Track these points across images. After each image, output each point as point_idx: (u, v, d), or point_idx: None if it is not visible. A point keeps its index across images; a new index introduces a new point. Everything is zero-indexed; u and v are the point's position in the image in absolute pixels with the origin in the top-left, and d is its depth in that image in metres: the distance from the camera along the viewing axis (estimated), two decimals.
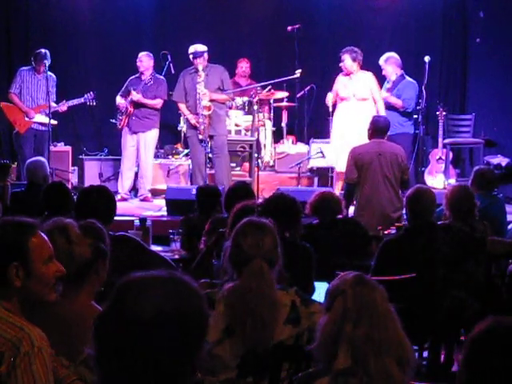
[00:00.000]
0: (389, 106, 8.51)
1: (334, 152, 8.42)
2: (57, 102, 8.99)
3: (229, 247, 2.98)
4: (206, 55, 8.37)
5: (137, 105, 8.83)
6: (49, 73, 8.74)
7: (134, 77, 9.02)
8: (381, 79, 8.97)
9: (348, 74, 8.25)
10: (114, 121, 9.08)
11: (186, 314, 1.56)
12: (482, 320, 1.87)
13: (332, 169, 8.87)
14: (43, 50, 8.81)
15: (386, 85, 8.79)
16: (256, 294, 2.84)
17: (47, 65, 8.67)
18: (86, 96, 9.02)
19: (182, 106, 8.50)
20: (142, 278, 1.59)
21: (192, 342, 1.56)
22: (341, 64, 8.26)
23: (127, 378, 1.52)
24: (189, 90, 8.37)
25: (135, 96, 8.75)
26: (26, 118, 8.83)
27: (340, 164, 8.06)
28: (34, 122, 8.82)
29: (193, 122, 8.29)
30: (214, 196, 5.71)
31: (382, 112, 8.20)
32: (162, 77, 9.09)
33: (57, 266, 2.41)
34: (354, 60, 8.17)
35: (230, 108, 9.54)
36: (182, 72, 8.57)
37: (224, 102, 8.56)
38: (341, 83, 8.32)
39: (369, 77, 8.27)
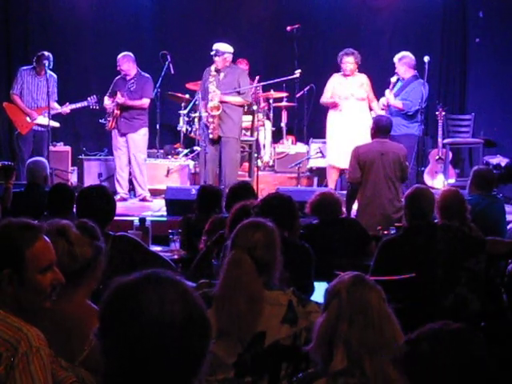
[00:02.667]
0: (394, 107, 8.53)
1: (337, 150, 8.52)
2: (58, 102, 8.98)
3: (228, 247, 2.99)
4: (226, 56, 8.27)
5: (123, 106, 8.79)
6: (49, 72, 8.74)
7: (119, 77, 8.97)
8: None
9: (348, 75, 8.46)
10: (102, 121, 9.07)
11: (200, 314, 1.58)
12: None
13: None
14: (46, 53, 8.79)
15: (398, 83, 8.73)
16: (234, 283, 2.84)
17: (46, 64, 8.66)
18: (89, 99, 9.00)
19: (202, 103, 8.50)
20: (151, 278, 1.58)
21: (205, 341, 1.58)
22: (345, 65, 8.43)
23: (134, 378, 1.52)
24: (206, 88, 8.34)
25: (119, 99, 8.71)
26: (28, 120, 8.82)
27: (343, 161, 8.26)
28: (36, 124, 8.81)
29: (204, 120, 8.30)
30: (215, 196, 5.70)
31: (377, 110, 8.49)
32: (147, 75, 8.98)
33: (55, 274, 2.37)
34: (356, 63, 8.46)
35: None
36: (204, 70, 8.48)
37: (239, 104, 8.39)
38: (337, 83, 8.53)
39: (363, 78, 8.54)
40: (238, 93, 8.29)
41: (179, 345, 1.52)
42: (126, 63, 8.85)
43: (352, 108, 8.44)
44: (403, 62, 8.68)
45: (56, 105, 8.93)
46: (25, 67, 8.98)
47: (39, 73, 8.82)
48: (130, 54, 8.92)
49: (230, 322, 2.82)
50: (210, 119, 8.19)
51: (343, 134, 8.46)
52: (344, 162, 8.31)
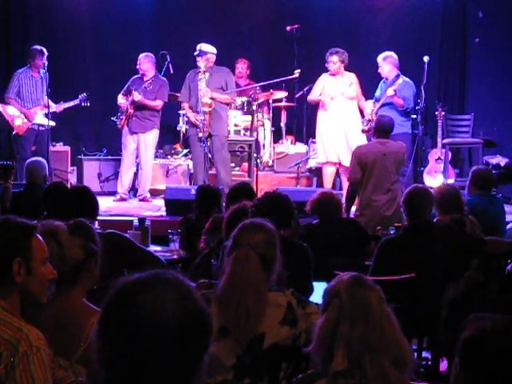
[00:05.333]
0: (390, 106, 8.54)
1: (324, 149, 8.73)
2: (54, 101, 8.97)
3: (227, 247, 2.99)
4: (210, 56, 8.36)
5: (137, 105, 8.81)
6: (43, 71, 8.81)
7: (136, 77, 9.02)
8: (381, 78, 8.98)
9: (334, 74, 8.59)
10: (114, 119, 9.07)
11: (198, 314, 1.57)
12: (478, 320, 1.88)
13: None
14: (38, 47, 8.85)
15: (382, 84, 8.80)
16: (240, 279, 2.83)
17: (46, 64, 8.69)
18: (80, 97, 9.03)
19: (186, 106, 8.55)
20: (150, 278, 1.58)
21: (203, 341, 1.57)
22: (329, 64, 8.58)
23: (133, 379, 1.52)
24: (192, 89, 8.40)
25: (136, 96, 8.74)
26: (25, 120, 8.82)
27: (330, 159, 8.66)
28: (34, 123, 8.80)
29: (193, 119, 8.33)
30: (214, 196, 5.71)
31: (363, 107, 8.62)
32: (164, 78, 9.08)
33: (51, 268, 2.45)
34: (341, 62, 8.54)
35: (230, 108, 9.55)
36: (188, 72, 8.57)
37: (226, 102, 8.52)
38: (327, 82, 8.66)
39: (352, 77, 8.65)
40: (224, 91, 8.37)
41: (178, 345, 1.52)
42: (147, 63, 8.90)
43: (339, 107, 8.56)
44: (388, 61, 8.74)
45: (51, 103, 8.93)
46: (20, 70, 8.97)
47: (36, 66, 8.81)
48: (152, 55, 8.98)
49: (235, 319, 2.81)
50: (201, 117, 8.23)
51: (330, 133, 8.61)
52: (331, 160, 8.63)
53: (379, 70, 8.80)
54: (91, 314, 2.66)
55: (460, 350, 1.84)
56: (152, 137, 8.95)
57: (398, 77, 8.63)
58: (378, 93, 8.79)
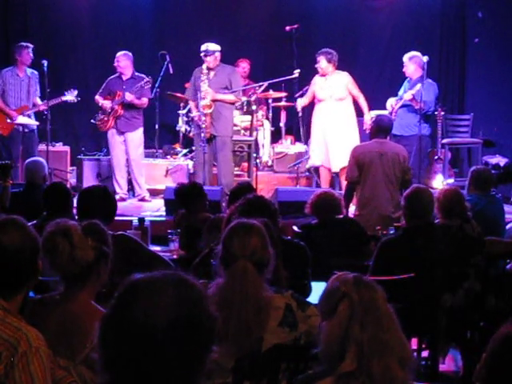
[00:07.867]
0: (409, 108, 8.54)
1: (316, 151, 8.69)
2: (42, 99, 8.93)
3: (218, 253, 2.96)
4: (217, 55, 8.31)
5: (126, 105, 8.78)
6: (29, 70, 8.81)
7: (113, 77, 8.97)
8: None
9: (323, 75, 8.56)
10: (94, 121, 9.01)
11: (198, 318, 1.55)
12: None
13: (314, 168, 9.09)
14: (23, 43, 8.83)
15: (406, 84, 8.79)
16: (240, 295, 2.80)
17: (31, 54, 8.68)
18: (66, 93, 8.95)
19: (192, 104, 8.52)
20: (151, 280, 1.57)
21: (203, 345, 1.56)
22: (316, 65, 8.57)
23: (130, 380, 1.52)
24: (197, 88, 8.36)
25: (129, 96, 8.69)
26: (9, 120, 8.77)
27: (323, 161, 8.59)
28: (19, 124, 8.77)
29: (196, 119, 8.32)
30: (186, 195, 5.69)
31: (364, 105, 8.55)
32: (143, 75, 9.00)
33: None
34: (329, 61, 8.49)
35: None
36: (194, 70, 8.52)
37: (231, 102, 8.41)
38: (317, 85, 8.65)
39: (344, 76, 8.58)
40: (229, 90, 8.30)
41: (172, 346, 1.51)
42: (125, 61, 8.86)
43: (329, 109, 8.52)
44: (414, 60, 8.72)
45: (39, 100, 8.89)
46: (5, 69, 8.94)
47: (21, 69, 8.78)
48: (130, 53, 8.93)
49: (236, 333, 2.78)
50: (203, 118, 8.20)
51: (320, 136, 8.59)
52: (325, 162, 8.59)
53: (404, 69, 8.78)
54: (99, 316, 2.65)
55: (490, 348, 1.85)
56: (139, 135, 8.95)
57: (421, 78, 8.59)
58: (401, 91, 8.80)
